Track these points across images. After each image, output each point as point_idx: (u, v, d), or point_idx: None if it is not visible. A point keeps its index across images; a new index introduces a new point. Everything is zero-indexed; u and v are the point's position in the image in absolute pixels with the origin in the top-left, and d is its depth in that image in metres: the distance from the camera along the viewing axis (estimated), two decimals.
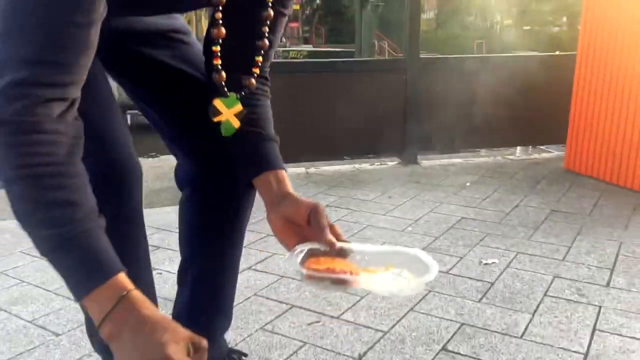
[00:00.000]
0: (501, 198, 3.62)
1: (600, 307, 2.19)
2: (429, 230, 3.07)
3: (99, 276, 0.92)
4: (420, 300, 2.29)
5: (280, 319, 2.19)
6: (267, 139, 1.31)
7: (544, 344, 1.94)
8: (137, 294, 0.94)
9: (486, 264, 2.63)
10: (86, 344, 1.98)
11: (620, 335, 1.98)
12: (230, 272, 1.62)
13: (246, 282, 2.50)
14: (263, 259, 2.76)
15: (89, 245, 0.93)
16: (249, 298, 2.37)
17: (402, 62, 4.45)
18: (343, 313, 2.21)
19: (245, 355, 1.75)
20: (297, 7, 27.46)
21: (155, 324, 0.91)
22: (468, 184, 3.95)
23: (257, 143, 1.30)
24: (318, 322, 2.16)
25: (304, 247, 1.20)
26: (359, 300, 2.31)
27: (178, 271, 1.64)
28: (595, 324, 2.06)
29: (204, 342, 0.94)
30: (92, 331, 1.46)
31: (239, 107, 1.27)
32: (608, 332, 2.00)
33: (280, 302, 2.33)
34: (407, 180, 4.06)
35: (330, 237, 1.19)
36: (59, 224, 0.91)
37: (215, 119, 1.26)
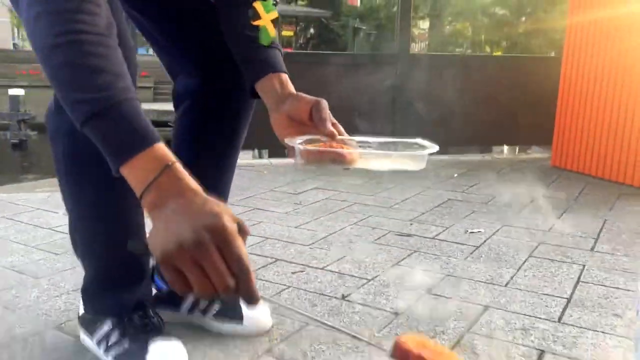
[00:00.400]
0: (489, 185, 3.65)
1: (584, 265, 2.19)
2: (415, 207, 3.08)
3: (142, 143, 0.90)
4: (405, 258, 2.28)
5: (264, 269, 2.17)
6: (272, 46, 1.35)
7: (527, 291, 1.94)
8: (181, 166, 0.92)
9: (472, 232, 2.64)
10: (65, 285, 1.96)
11: (603, 285, 1.99)
12: (227, 176, 1.63)
13: None
14: (250, 224, 2.75)
15: (132, 113, 0.92)
16: None
17: (393, 56, 4.53)
18: (328, 265, 2.20)
19: None
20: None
21: (204, 196, 0.88)
22: (455, 175, 3.99)
23: (263, 48, 1.33)
24: (302, 271, 2.14)
25: (305, 137, 1.21)
26: (344, 256, 2.31)
27: None
28: (579, 277, 2.06)
29: (247, 228, 0.90)
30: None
31: (274, 13, 1.31)
32: (591, 284, 2.01)
33: (265, 256, 2.31)
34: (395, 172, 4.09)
35: (331, 128, 1.20)
36: (103, 88, 0.90)
37: (255, 23, 1.29)
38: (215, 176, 1.60)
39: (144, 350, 1.41)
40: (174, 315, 1.67)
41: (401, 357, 0.82)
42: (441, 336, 1.60)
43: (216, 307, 1.64)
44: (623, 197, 3.34)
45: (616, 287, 1.97)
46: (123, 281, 1.48)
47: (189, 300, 1.65)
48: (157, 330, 1.47)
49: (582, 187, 3.59)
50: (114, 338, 1.45)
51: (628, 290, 1.94)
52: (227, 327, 1.63)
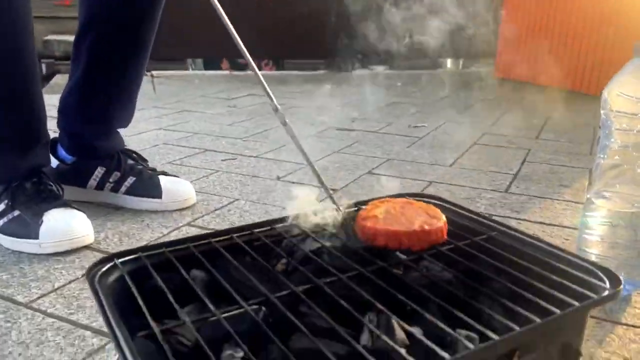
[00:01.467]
0: (433, 91, 3.54)
1: (529, 149, 2.11)
2: (357, 109, 2.92)
3: None
4: (345, 147, 2.13)
5: (192, 158, 1.96)
6: None
7: (473, 169, 1.83)
8: None
9: (416, 126, 2.51)
10: None
11: (548, 164, 1.91)
12: (132, 54, 1.38)
13: (155, 137, 2.25)
14: (176, 123, 2.52)
15: None
16: (157, 145, 2.12)
17: None
18: (263, 154, 2.02)
19: (145, 159, 1.51)
20: None
21: None
22: (399, 84, 3.85)
23: None
24: (234, 159, 1.95)
25: None
26: (281, 146, 2.13)
27: (74, 42, 1.38)
28: (525, 158, 1.98)
29: None
30: None
31: None
32: (537, 163, 1.92)
33: (193, 147, 2.10)
34: (339, 81, 3.91)
35: None
36: None
37: None
38: (118, 44, 1.36)
39: (36, 220, 1.19)
40: (80, 193, 1.45)
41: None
42: None
43: (130, 181, 1.43)
44: (565, 100, 3.31)
45: (562, 165, 1.89)
46: (13, 143, 1.24)
47: (96, 174, 1.43)
48: (54, 199, 1.25)
49: (525, 91, 3.53)
50: (1, 206, 1.23)
51: (573, 167, 1.88)
52: (144, 202, 1.43)
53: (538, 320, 0.53)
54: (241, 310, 0.57)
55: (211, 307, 0.55)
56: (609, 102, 0.99)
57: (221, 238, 0.72)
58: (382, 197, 0.81)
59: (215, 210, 1.44)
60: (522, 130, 2.44)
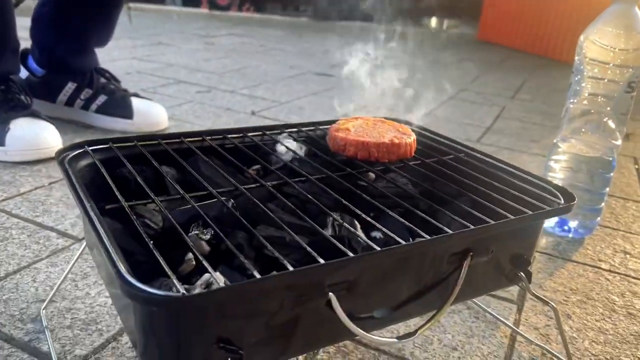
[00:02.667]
0: (415, 48, 3.51)
1: (504, 106, 2.14)
2: (338, 57, 2.90)
3: None
4: (323, 91, 2.12)
5: (165, 87, 1.92)
6: None
7: (448, 120, 1.86)
8: None
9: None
10: None
11: (521, 121, 1.94)
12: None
13: (129, 65, 2.20)
14: (151, 54, 2.46)
15: None
16: (130, 73, 2.07)
17: None
18: (240, 89, 2.00)
19: (117, 80, 1.48)
20: None
21: None
22: (382, 36, 3.81)
23: None
24: (208, 92, 1.92)
25: None
26: (258, 84, 2.10)
27: None
28: (499, 114, 2.01)
29: None
30: None
31: None
32: (510, 119, 1.95)
33: (167, 78, 2.06)
34: (322, 29, 3.85)
35: None
36: None
37: None
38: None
39: (3, 127, 1.17)
40: (49, 109, 1.41)
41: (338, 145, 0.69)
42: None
43: (101, 99, 1.40)
44: (543, 66, 3.33)
45: (534, 123, 1.93)
46: None
47: (67, 90, 1.40)
48: (23, 108, 1.22)
49: (505, 55, 3.54)
50: None
51: (545, 125, 1.91)
52: (114, 122, 1.41)
53: (492, 222, 0.55)
54: (212, 200, 0.58)
55: (180, 190, 0.56)
56: (583, 48, 1.01)
57: (194, 139, 0.72)
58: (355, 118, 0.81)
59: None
60: (499, 90, 2.47)
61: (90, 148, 0.64)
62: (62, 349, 0.65)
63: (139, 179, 0.58)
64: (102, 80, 1.43)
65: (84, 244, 0.68)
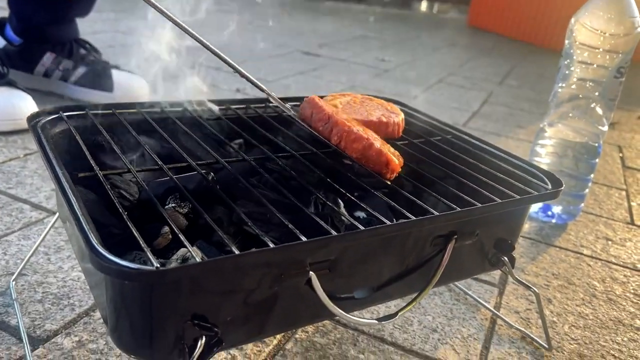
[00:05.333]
0: (405, 30, 3.49)
1: (491, 92, 2.13)
2: (326, 36, 2.85)
3: None
4: (310, 71, 2.09)
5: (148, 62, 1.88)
6: None
7: (435, 104, 1.84)
8: None
9: (383, 60, 2.48)
10: None
11: (508, 107, 1.94)
12: None
13: (111, 38, 2.14)
14: (136, 28, 2.40)
15: None
16: (112, 47, 2.02)
17: None
18: (223, 66, 1.96)
19: (98, 51, 1.43)
20: None
21: None
22: (372, 18, 3.77)
23: None
24: (193, 67, 1.88)
25: None
26: (243, 60, 2.07)
27: None
28: (486, 100, 2.00)
29: None
30: None
31: None
32: (497, 105, 1.94)
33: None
34: (310, 8, 3.79)
35: None
36: None
37: None
38: None
39: None
40: (27, 80, 1.37)
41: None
42: None
43: (80, 71, 1.36)
44: (532, 53, 3.33)
45: (521, 110, 1.92)
46: None
47: (45, 61, 1.35)
48: (0, 77, 1.18)
49: (495, 42, 3.53)
50: None
51: (532, 112, 1.91)
52: (94, 95, 1.37)
53: (478, 204, 0.54)
54: (191, 173, 0.55)
55: (159, 161, 0.54)
56: (574, 32, 0.99)
57: (175, 109, 0.70)
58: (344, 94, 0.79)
59: None
60: (487, 75, 2.46)
61: (66, 114, 0.61)
62: (31, 323, 0.63)
63: (115, 147, 0.55)
64: (82, 51, 1.38)
65: (56, 215, 0.66)
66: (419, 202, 0.53)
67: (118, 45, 2.04)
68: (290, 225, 0.46)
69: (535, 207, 1.09)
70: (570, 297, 0.82)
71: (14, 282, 0.68)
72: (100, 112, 0.64)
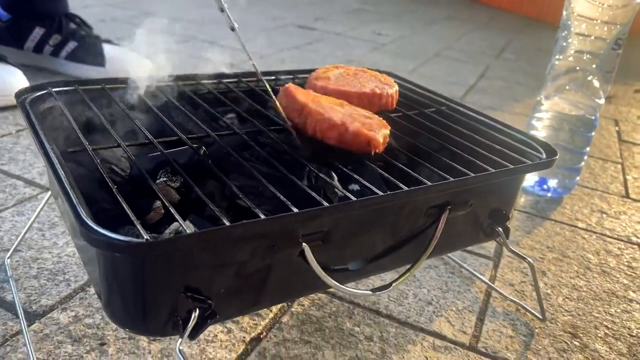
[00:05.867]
0: (403, 3, 3.44)
1: (488, 66, 2.11)
2: (322, 9, 2.81)
3: None
4: (306, 45, 2.06)
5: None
6: None
7: (431, 78, 1.83)
8: None
9: (380, 34, 2.45)
10: None
11: (505, 81, 1.92)
12: None
13: (102, 12, 2.11)
14: (127, 0, 2.36)
15: None
16: (104, 20, 1.99)
17: None
18: (218, 40, 1.93)
19: (89, 26, 1.41)
20: None
21: None
22: None
23: None
24: (186, 41, 1.86)
25: None
26: None
27: None
28: (483, 74, 1.98)
29: None
30: None
31: None
32: (494, 78, 1.93)
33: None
34: None
35: None
36: None
37: None
38: None
39: None
40: (17, 55, 1.35)
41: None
42: None
43: (71, 45, 1.34)
44: (529, 26, 3.30)
45: (517, 83, 1.91)
46: None
47: (34, 36, 1.33)
48: None
49: (492, 15, 3.49)
50: None
51: (528, 85, 1.89)
52: (85, 70, 1.35)
53: (471, 174, 0.54)
54: (182, 147, 0.55)
55: (149, 135, 0.53)
56: (572, 3, 0.98)
57: (165, 83, 0.69)
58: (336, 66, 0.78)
59: None
60: (484, 49, 2.43)
61: (55, 89, 0.60)
62: (27, 298, 0.63)
63: (104, 122, 0.54)
64: (72, 25, 1.36)
65: (49, 193, 0.66)
66: (412, 173, 0.53)
67: (109, 19, 2.01)
68: (282, 197, 0.46)
69: (531, 181, 1.08)
70: (564, 270, 0.83)
71: (9, 260, 0.68)
72: (89, 87, 0.63)
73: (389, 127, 0.58)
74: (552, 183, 1.07)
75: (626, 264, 0.87)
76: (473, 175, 0.53)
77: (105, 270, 0.41)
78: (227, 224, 0.41)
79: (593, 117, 1.02)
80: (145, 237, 0.37)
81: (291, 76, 0.79)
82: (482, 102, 1.62)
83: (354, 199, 0.46)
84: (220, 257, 0.43)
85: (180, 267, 0.41)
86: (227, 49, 1.83)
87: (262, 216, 0.42)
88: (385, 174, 0.52)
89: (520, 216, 0.98)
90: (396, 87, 0.69)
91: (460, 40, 2.55)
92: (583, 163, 1.07)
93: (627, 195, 1.12)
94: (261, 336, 0.61)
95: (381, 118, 0.61)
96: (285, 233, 0.44)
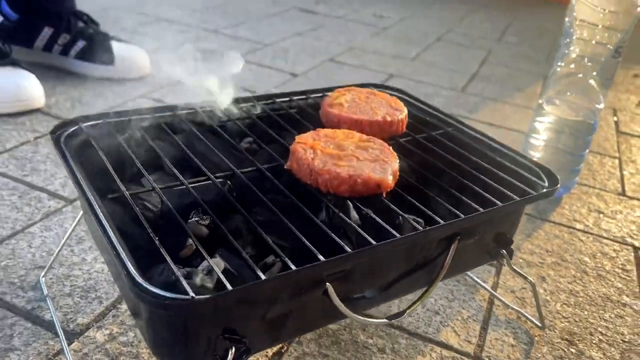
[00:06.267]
0: None
1: (490, 50, 2.13)
2: None
3: None
4: (308, 31, 2.07)
5: (144, 26, 1.86)
6: None
7: (434, 65, 1.85)
8: None
9: (381, 16, 2.46)
10: None
11: (507, 67, 1.94)
12: None
13: (105, 1, 2.10)
14: None
15: None
16: (106, 9, 1.99)
17: None
18: (221, 29, 1.94)
19: (96, 23, 1.42)
20: None
21: None
22: None
23: None
24: (190, 32, 1.87)
25: None
26: (240, 23, 2.04)
27: None
28: (485, 59, 2.00)
29: None
30: None
31: None
32: (496, 65, 1.95)
33: (146, 14, 1.98)
34: None
35: None
36: None
37: None
38: None
39: None
40: (27, 54, 1.37)
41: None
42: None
43: (80, 44, 1.36)
44: (530, 4, 3.28)
45: (519, 70, 1.93)
46: None
47: (43, 35, 1.34)
48: (2, 57, 1.18)
49: None
50: None
51: (530, 71, 1.92)
52: (95, 68, 1.37)
53: (481, 209, 0.58)
54: (207, 182, 0.59)
55: (180, 177, 0.57)
56: (574, 10, 1.00)
57: (186, 111, 0.72)
58: (348, 85, 0.81)
59: (170, 84, 1.41)
60: (485, 31, 2.44)
61: (84, 125, 0.63)
62: (64, 317, 0.67)
63: (137, 162, 0.58)
64: (80, 24, 1.37)
65: (80, 213, 0.70)
66: (426, 210, 0.57)
67: (112, 8, 2.01)
68: (306, 242, 0.50)
69: None
70: (562, 275, 0.88)
71: (43, 278, 0.72)
72: (117, 120, 0.66)
73: (398, 159, 0.62)
74: None
75: (620, 266, 0.92)
76: (482, 211, 0.57)
77: (151, 319, 0.46)
78: (262, 276, 0.45)
79: (593, 122, 1.05)
80: (190, 294, 0.42)
81: (304, 96, 0.81)
82: (485, 93, 1.64)
83: (374, 242, 0.50)
84: (254, 302, 0.47)
85: (219, 314, 0.46)
86: (230, 38, 1.84)
87: (293, 267, 0.46)
88: (398, 210, 0.56)
89: (521, 218, 1.02)
90: (405, 112, 0.72)
91: (461, 22, 2.55)
92: (582, 164, 1.10)
93: (624, 193, 1.17)
94: (282, 351, 0.67)
95: (391, 147, 0.64)
96: (312, 278, 0.49)
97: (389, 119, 0.69)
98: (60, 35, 1.35)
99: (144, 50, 1.44)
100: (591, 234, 1.00)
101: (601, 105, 1.04)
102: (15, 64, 1.19)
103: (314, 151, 0.59)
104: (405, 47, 2.01)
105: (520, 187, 0.63)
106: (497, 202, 0.59)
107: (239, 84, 1.46)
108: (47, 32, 1.34)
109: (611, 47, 0.99)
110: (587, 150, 1.08)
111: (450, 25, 2.45)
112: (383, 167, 0.58)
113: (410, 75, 1.71)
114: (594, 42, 1.00)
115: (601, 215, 1.07)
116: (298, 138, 0.61)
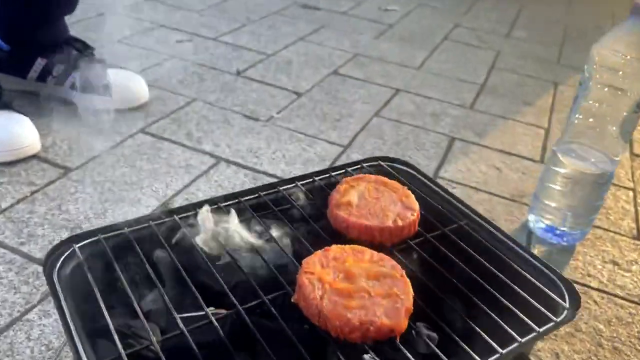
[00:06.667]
0: None
1: (499, 51, 2.05)
2: None
3: None
4: (311, 33, 1.99)
5: (141, 36, 1.79)
6: None
7: (440, 74, 1.78)
8: None
9: (386, 9, 2.37)
10: None
11: (517, 73, 1.87)
12: None
13: (100, 4, 2.02)
14: None
15: None
16: (101, 15, 1.92)
17: None
18: (221, 35, 1.87)
19: (91, 48, 1.36)
20: None
21: None
22: None
23: None
24: (190, 40, 1.80)
25: None
26: (242, 25, 1.97)
27: None
28: (493, 64, 1.93)
29: None
30: None
31: None
32: (505, 70, 1.89)
33: (143, 20, 1.91)
34: None
35: None
36: None
37: None
38: None
39: None
40: (21, 83, 1.32)
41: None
42: (347, 119, 1.43)
43: (75, 76, 1.30)
44: None
45: (528, 75, 1.86)
46: None
47: (36, 67, 1.29)
48: None
49: None
50: None
51: (539, 78, 1.85)
52: (92, 99, 1.32)
53: (501, 350, 0.55)
54: (206, 321, 0.56)
55: (181, 325, 0.54)
56: (595, 58, 0.95)
57: (187, 213, 0.68)
58: (356, 163, 0.77)
59: (171, 113, 1.36)
60: (493, 25, 2.35)
61: (78, 246, 0.60)
62: None
63: (135, 306, 0.55)
64: (74, 52, 1.32)
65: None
66: (440, 354, 0.54)
67: (107, 12, 1.94)
68: None
69: (542, 225, 1.09)
70: (577, 350, 0.86)
71: None
72: (112, 234, 0.62)
73: (411, 290, 0.58)
74: (566, 228, 1.08)
75: (636, 335, 0.90)
76: (502, 352, 0.54)
77: None
78: None
79: (609, 173, 1.01)
80: None
81: (310, 180, 0.77)
82: (493, 110, 1.59)
83: None
84: None
85: None
86: (230, 47, 1.77)
87: None
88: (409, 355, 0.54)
89: None
90: (417, 210, 0.69)
91: (468, 13, 2.46)
92: (597, 214, 1.07)
93: (638, 236, 1.14)
94: None
95: (403, 254, 0.61)
96: None
97: (400, 223, 0.65)
98: (54, 66, 1.29)
99: (142, 78, 1.38)
100: (606, 292, 0.98)
101: (618, 158, 1.00)
102: (7, 106, 1.15)
103: (322, 285, 0.55)
104: (411, 52, 1.94)
105: (541, 311, 0.60)
106: (519, 338, 0.56)
107: (236, 106, 1.42)
108: (40, 63, 1.29)
109: (632, 98, 0.94)
110: (602, 201, 1.05)
111: (456, 18, 2.36)
112: (396, 305, 0.55)
113: (417, 90, 1.65)
114: (612, 87, 0.95)
115: (616, 267, 1.04)
116: (305, 265, 0.58)
